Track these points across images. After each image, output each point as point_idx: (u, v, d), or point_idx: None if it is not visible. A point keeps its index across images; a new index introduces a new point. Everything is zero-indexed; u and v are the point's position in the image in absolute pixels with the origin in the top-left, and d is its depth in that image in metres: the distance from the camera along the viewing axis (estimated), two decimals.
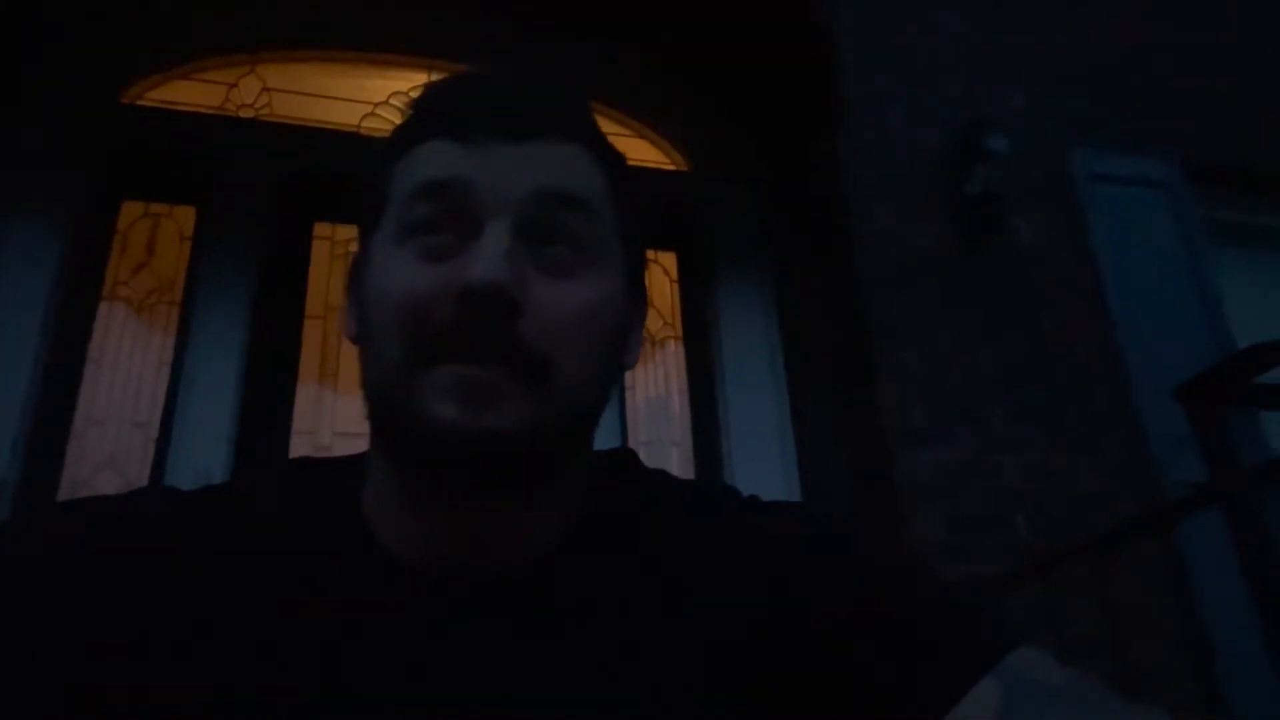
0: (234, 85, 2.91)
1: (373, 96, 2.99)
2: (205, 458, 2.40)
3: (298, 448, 2.53)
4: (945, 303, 2.71)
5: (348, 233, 2.78)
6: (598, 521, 0.56)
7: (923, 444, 2.50)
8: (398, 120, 0.58)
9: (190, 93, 2.87)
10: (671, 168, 3.23)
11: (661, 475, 0.63)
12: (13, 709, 0.44)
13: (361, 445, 0.58)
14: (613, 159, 0.58)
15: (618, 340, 0.56)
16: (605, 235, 0.54)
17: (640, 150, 3.22)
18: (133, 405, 2.47)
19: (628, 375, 2.86)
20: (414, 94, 0.58)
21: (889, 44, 3.05)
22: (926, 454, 2.49)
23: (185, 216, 2.71)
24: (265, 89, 2.93)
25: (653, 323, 3.00)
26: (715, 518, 0.58)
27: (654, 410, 2.87)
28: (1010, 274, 2.81)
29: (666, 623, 0.52)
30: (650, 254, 3.08)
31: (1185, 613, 2.39)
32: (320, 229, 2.79)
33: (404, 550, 0.53)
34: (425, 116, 0.55)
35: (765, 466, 2.76)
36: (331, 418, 2.58)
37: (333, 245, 2.79)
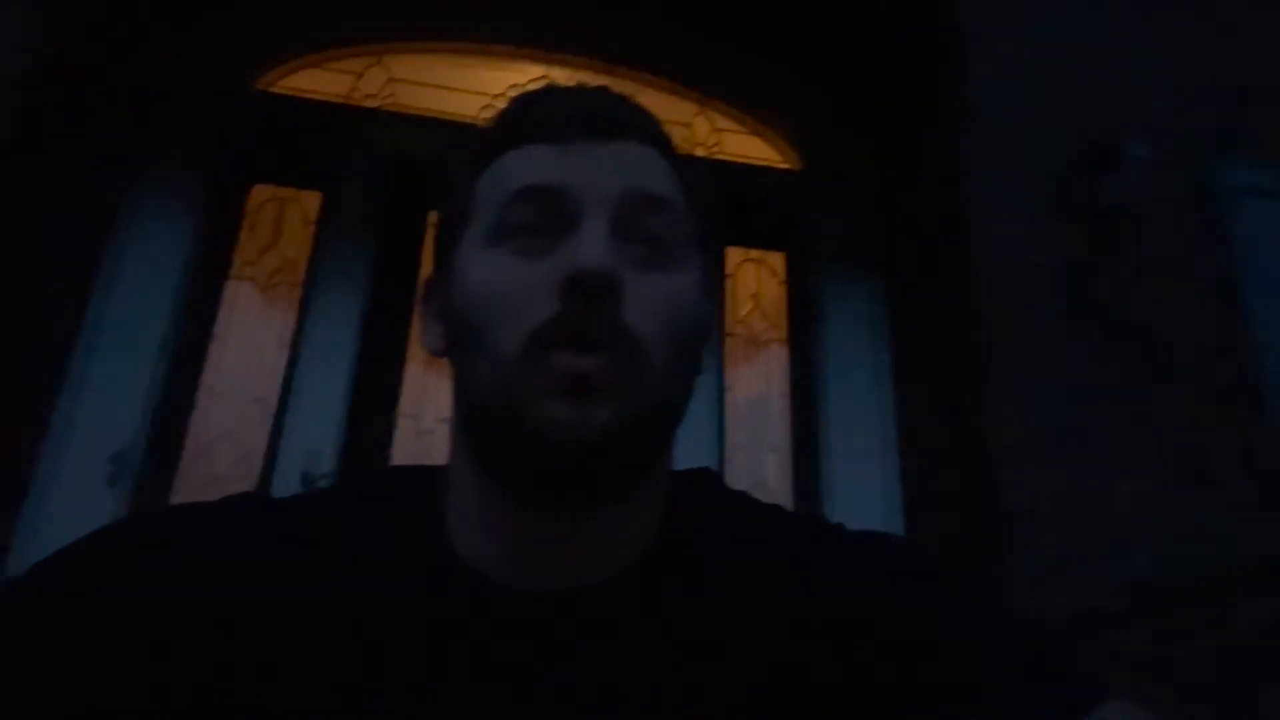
0: (361, 75, 3.01)
1: (490, 88, 3.04)
2: (316, 436, 2.49)
3: (403, 430, 2.60)
4: (1066, 317, 2.57)
5: None
6: (675, 542, 0.56)
7: (1033, 465, 2.38)
8: None
9: (319, 81, 2.98)
10: (785, 166, 3.18)
11: (742, 498, 0.62)
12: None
13: None
14: (684, 164, 0.60)
15: (701, 339, 0.57)
16: (685, 236, 0.56)
17: (753, 147, 3.19)
18: (253, 381, 2.59)
19: (727, 375, 2.83)
20: (500, 103, 0.60)
21: (1016, 44, 2.92)
22: (1037, 476, 2.37)
23: (310, 201, 2.82)
24: (391, 79, 3.02)
25: (757, 324, 2.96)
26: (794, 545, 0.57)
27: (753, 413, 2.82)
28: (1140, 290, 2.65)
29: (739, 649, 0.52)
30: (758, 253, 3.05)
31: None
32: (434, 218, 2.86)
33: (485, 565, 0.53)
34: (517, 124, 0.57)
35: (865, 478, 2.69)
36: (436, 403, 2.64)
37: None
